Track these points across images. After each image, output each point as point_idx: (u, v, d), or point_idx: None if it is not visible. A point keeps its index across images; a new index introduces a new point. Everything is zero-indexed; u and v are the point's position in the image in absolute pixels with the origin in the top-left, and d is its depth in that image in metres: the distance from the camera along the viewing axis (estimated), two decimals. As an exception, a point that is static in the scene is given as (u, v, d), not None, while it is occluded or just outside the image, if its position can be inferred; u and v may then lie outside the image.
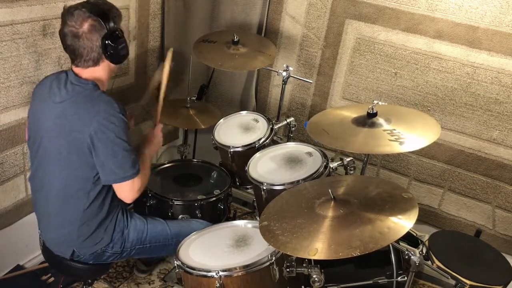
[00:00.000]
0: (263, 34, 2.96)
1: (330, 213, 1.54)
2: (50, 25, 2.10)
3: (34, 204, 1.88)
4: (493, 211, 2.64)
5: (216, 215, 2.31)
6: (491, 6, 2.35)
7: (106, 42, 1.64)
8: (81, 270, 1.88)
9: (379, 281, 2.06)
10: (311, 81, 2.89)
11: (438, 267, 2.00)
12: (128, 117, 1.72)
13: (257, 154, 2.29)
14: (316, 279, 1.59)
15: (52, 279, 2.34)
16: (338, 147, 1.96)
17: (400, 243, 2.25)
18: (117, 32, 1.67)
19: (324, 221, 1.51)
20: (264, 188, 2.04)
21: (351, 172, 2.11)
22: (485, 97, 2.49)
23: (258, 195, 2.15)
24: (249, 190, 2.52)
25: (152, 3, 2.71)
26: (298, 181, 1.99)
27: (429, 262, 2.04)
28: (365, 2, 2.63)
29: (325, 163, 2.08)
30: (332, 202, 1.57)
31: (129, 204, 1.84)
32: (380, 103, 1.99)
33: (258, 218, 2.15)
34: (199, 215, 2.20)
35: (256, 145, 2.35)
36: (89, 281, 2.08)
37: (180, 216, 2.20)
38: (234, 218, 2.68)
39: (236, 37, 2.58)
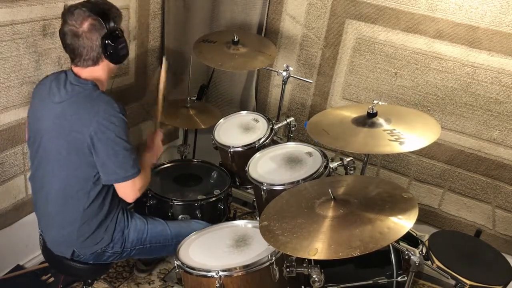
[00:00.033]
0: (263, 34, 2.96)
1: (330, 213, 1.54)
2: (50, 25, 2.10)
3: (34, 204, 1.88)
4: (493, 211, 2.64)
5: (216, 215, 2.31)
6: (491, 6, 2.35)
7: (106, 41, 1.64)
8: (81, 270, 1.88)
9: (379, 281, 2.06)
10: (311, 81, 2.89)
11: (438, 267, 2.00)
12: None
13: (257, 154, 2.29)
14: (316, 279, 1.59)
15: (52, 279, 2.34)
16: (338, 147, 1.96)
17: (400, 243, 2.25)
18: (117, 32, 1.66)
19: (324, 221, 1.51)
20: (264, 188, 2.04)
21: (351, 172, 2.10)
22: (485, 97, 2.49)
23: (258, 195, 2.15)
24: (249, 190, 2.52)
25: (152, 3, 2.71)
26: (298, 181, 1.99)
27: (429, 262, 2.04)
28: (365, 2, 2.63)
29: (325, 163, 2.08)
30: (332, 202, 1.57)
31: (129, 204, 1.85)
32: (380, 103, 1.99)
33: (258, 218, 2.15)
34: (199, 215, 2.20)
35: (256, 145, 2.35)
36: (89, 281, 2.07)
37: (180, 216, 2.20)
38: (234, 218, 2.68)
39: (236, 37, 2.58)
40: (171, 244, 1.96)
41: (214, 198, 2.27)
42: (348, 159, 2.11)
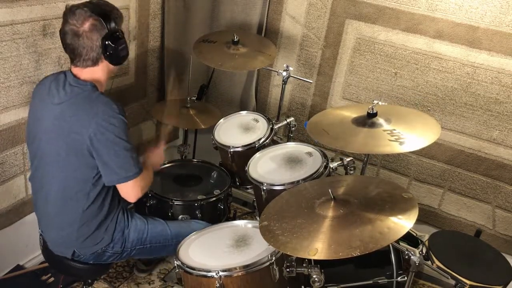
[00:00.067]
0: (263, 34, 2.96)
1: (330, 213, 1.54)
2: (50, 25, 2.10)
3: (34, 204, 1.88)
4: (493, 211, 2.64)
5: (216, 215, 2.31)
6: (491, 6, 2.35)
7: (106, 42, 1.64)
8: (81, 270, 1.88)
9: (379, 281, 2.06)
10: (311, 81, 2.89)
11: (438, 267, 2.00)
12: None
13: (257, 154, 2.29)
14: (316, 279, 1.59)
15: (52, 279, 2.34)
16: (338, 147, 1.96)
17: (400, 243, 2.25)
18: (117, 33, 1.67)
19: (324, 221, 1.51)
20: (264, 188, 2.04)
21: (351, 172, 2.10)
22: (485, 97, 2.49)
23: (258, 195, 2.15)
24: (249, 190, 2.52)
25: (152, 3, 2.71)
26: (298, 181, 1.99)
27: (429, 262, 2.04)
28: (365, 2, 2.63)
29: (325, 163, 2.08)
30: (332, 202, 1.57)
31: (129, 204, 1.85)
32: (380, 103, 1.99)
33: (258, 218, 2.14)
34: (199, 215, 2.20)
35: (256, 145, 2.35)
36: (89, 281, 2.08)
37: (180, 216, 2.20)
38: (234, 218, 2.68)
39: (236, 37, 2.58)
40: (171, 244, 1.96)
41: (214, 198, 2.27)
42: (348, 159, 2.10)
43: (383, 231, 1.40)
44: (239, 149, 2.36)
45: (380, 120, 1.92)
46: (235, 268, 1.62)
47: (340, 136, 1.90)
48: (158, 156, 2.04)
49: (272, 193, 1.97)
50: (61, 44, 1.68)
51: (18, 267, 2.38)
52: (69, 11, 1.62)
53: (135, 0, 2.57)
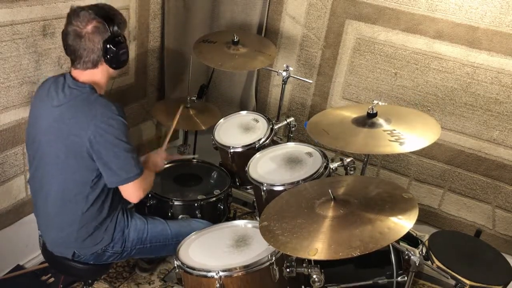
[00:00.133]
0: (263, 34, 2.96)
1: (330, 213, 1.54)
2: (50, 25, 2.11)
3: (34, 204, 1.88)
4: (493, 211, 2.64)
5: (216, 215, 2.31)
6: (491, 6, 2.35)
7: (108, 45, 1.64)
8: (81, 270, 1.88)
9: (379, 281, 2.06)
10: (311, 81, 2.89)
11: (438, 267, 2.00)
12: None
13: (257, 154, 2.29)
14: (316, 279, 1.59)
15: (52, 279, 2.34)
16: (338, 147, 1.96)
17: (400, 243, 2.25)
18: (119, 37, 1.67)
19: (324, 221, 1.51)
20: (264, 188, 2.04)
21: (351, 172, 2.10)
22: (485, 97, 2.49)
23: (258, 195, 2.15)
24: (249, 190, 2.52)
25: (152, 3, 2.71)
26: (298, 181, 1.99)
27: (429, 262, 2.04)
28: (365, 2, 2.63)
29: (325, 164, 2.08)
30: (332, 202, 1.57)
31: (129, 203, 1.85)
32: (380, 103, 1.99)
33: (258, 218, 2.14)
34: (199, 215, 2.20)
35: (256, 145, 2.35)
36: (89, 281, 2.07)
37: (180, 216, 2.20)
38: (234, 218, 2.68)
39: (236, 37, 2.58)
40: (172, 243, 1.96)
41: (214, 198, 2.27)
42: (348, 159, 2.10)
43: (383, 231, 1.40)
44: (239, 149, 2.36)
45: (380, 120, 1.92)
46: (235, 268, 1.62)
47: (340, 136, 1.90)
48: (160, 158, 2.04)
49: (272, 193, 1.97)
50: (62, 46, 1.68)
51: (18, 267, 2.38)
52: (74, 13, 1.63)
53: (135, 0, 2.57)
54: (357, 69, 2.78)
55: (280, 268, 1.65)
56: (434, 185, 2.76)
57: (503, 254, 2.11)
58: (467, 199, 2.69)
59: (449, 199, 2.74)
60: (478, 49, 2.43)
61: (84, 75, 1.70)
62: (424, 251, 2.10)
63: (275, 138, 2.47)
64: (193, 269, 1.67)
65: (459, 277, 1.94)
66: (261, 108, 3.14)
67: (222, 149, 2.43)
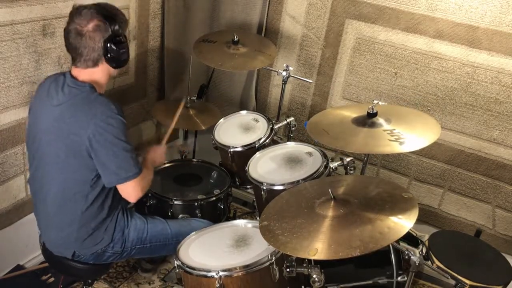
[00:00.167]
0: (263, 34, 2.96)
1: (330, 213, 1.54)
2: (50, 25, 2.10)
3: (34, 204, 1.88)
4: (493, 211, 2.64)
5: (216, 215, 2.31)
6: (491, 6, 2.35)
7: (108, 44, 1.65)
8: (81, 270, 1.88)
9: (379, 281, 2.06)
10: (311, 81, 2.89)
11: (438, 267, 2.00)
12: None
13: (257, 154, 2.29)
14: (316, 279, 1.59)
15: (52, 279, 2.34)
16: (338, 147, 1.96)
17: (400, 243, 2.25)
18: (120, 37, 1.68)
19: (324, 221, 1.51)
20: (264, 188, 2.04)
21: (351, 172, 2.10)
22: (485, 97, 2.49)
23: (258, 195, 2.15)
24: (249, 190, 2.52)
25: (152, 3, 2.71)
26: (298, 181, 1.99)
27: (429, 262, 2.04)
28: (365, 2, 2.63)
29: (325, 163, 2.08)
30: (332, 202, 1.57)
31: (129, 203, 1.85)
32: (380, 103, 1.99)
33: (258, 218, 2.14)
34: (199, 215, 2.20)
35: (256, 145, 2.35)
36: (89, 281, 2.08)
37: (180, 216, 2.20)
38: (234, 218, 2.68)
39: (236, 37, 2.58)
40: (172, 243, 1.96)
41: (214, 198, 2.27)
42: (348, 159, 2.10)
43: (383, 231, 1.40)
44: (239, 149, 2.36)
45: (380, 120, 1.92)
46: (235, 268, 1.62)
47: (340, 136, 1.90)
48: (159, 154, 2.03)
49: (272, 193, 1.97)
50: (64, 43, 1.69)
51: (18, 267, 2.38)
52: (76, 11, 1.64)
53: (135, 0, 2.57)
54: (357, 69, 2.78)
55: (280, 268, 1.65)
56: (434, 185, 2.76)
57: (503, 254, 2.11)
58: (467, 199, 2.69)
59: (449, 199, 2.74)
60: (478, 49, 2.43)
61: (84, 74, 1.70)
62: (424, 251, 2.10)
63: (275, 137, 2.47)
64: (193, 269, 1.67)
65: (459, 277, 1.94)
66: (261, 108, 3.14)
67: (222, 149, 2.43)
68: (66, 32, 1.66)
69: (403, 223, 1.43)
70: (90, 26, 1.62)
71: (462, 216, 2.74)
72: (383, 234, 1.39)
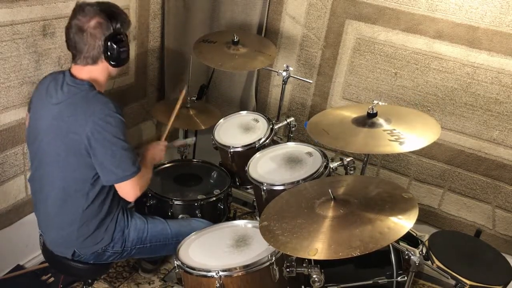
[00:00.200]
0: (263, 34, 2.96)
1: (330, 213, 1.54)
2: (50, 25, 2.11)
3: (34, 204, 1.89)
4: (493, 211, 2.64)
5: (216, 215, 2.31)
6: (491, 6, 2.35)
7: (109, 43, 1.64)
8: (81, 270, 1.88)
9: (379, 281, 2.06)
10: (311, 81, 2.89)
11: (438, 267, 2.00)
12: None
13: (257, 154, 2.29)
14: (316, 279, 1.59)
15: (52, 279, 2.34)
16: (338, 147, 1.96)
17: (400, 243, 2.25)
18: (121, 36, 1.67)
19: (324, 221, 1.51)
20: (264, 188, 2.04)
21: (351, 172, 2.11)
22: (485, 97, 2.49)
23: (258, 195, 2.15)
24: (249, 190, 2.52)
25: (152, 3, 2.71)
26: (298, 181, 1.99)
27: (429, 262, 2.04)
28: (365, 2, 2.63)
29: (325, 163, 2.08)
30: (332, 202, 1.57)
31: (129, 203, 1.85)
32: (380, 103, 1.99)
33: (258, 218, 2.15)
34: (199, 215, 2.20)
35: (256, 145, 2.35)
36: (89, 281, 2.07)
37: (180, 216, 2.20)
38: (234, 218, 2.68)
39: (236, 37, 2.58)
40: (172, 243, 1.96)
41: (214, 198, 2.27)
42: (348, 159, 2.11)
43: (383, 231, 1.40)
44: (239, 149, 2.36)
45: (380, 120, 1.92)
46: (235, 268, 1.62)
47: (340, 136, 1.90)
48: (159, 150, 2.03)
49: (272, 193, 1.97)
50: (65, 40, 1.68)
51: (18, 267, 2.38)
52: (79, 8, 1.64)
53: (135, 0, 2.57)
54: (357, 69, 2.78)
55: (280, 268, 1.65)
56: (434, 185, 2.76)
57: (503, 254, 2.11)
58: (467, 199, 2.69)
59: (449, 199, 2.74)
60: (478, 49, 2.43)
61: (84, 72, 1.70)
62: (424, 251, 2.10)
63: (275, 138, 2.47)
64: (193, 269, 1.67)
65: (459, 277, 1.94)
66: (261, 108, 3.14)
67: (222, 149, 2.43)
68: (67, 28, 1.66)
69: (403, 223, 1.43)
70: (92, 23, 1.62)
71: (462, 216, 2.74)
72: (383, 234, 1.39)
